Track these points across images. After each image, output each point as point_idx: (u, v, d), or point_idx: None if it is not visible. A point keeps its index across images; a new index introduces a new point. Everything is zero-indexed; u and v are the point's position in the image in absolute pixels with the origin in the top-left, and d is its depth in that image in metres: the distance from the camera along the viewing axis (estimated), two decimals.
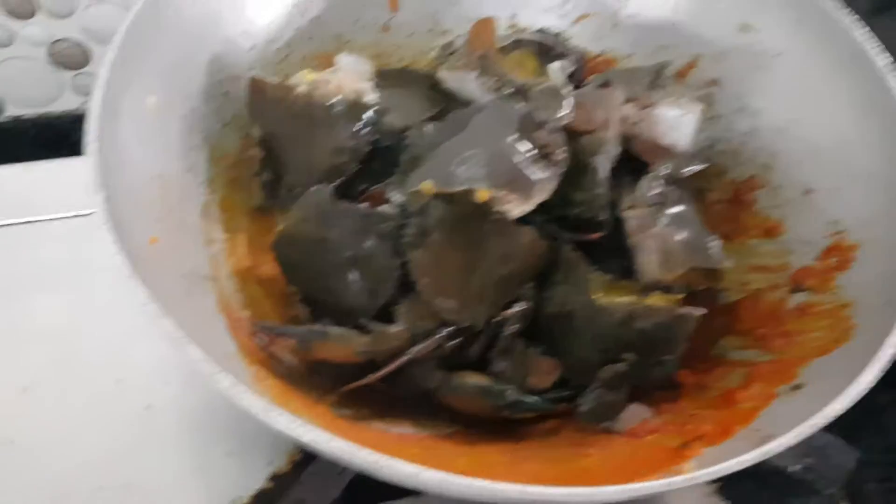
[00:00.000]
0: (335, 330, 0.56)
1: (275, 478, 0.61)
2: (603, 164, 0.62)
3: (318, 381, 0.57)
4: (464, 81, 0.68)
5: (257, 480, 0.61)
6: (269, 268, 0.63)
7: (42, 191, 0.76)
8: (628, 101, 0.66)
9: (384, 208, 0.60)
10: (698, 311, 0.57)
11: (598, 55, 0.78)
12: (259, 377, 0.52)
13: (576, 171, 0.62)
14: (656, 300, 0.58)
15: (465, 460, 0.53)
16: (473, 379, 0.57)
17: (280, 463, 0.61)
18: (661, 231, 0.61)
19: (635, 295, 0.59)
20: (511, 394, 0.57)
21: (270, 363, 0.55)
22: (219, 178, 0.64)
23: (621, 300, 0.58)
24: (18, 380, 0.63)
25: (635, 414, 0.58)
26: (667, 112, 0.65)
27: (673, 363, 0.58)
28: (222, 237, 0.62)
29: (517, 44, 0.72)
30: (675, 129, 0.65)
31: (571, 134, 0.62)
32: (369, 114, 0.65)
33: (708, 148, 0.71)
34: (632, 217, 0.62)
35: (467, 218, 0.58)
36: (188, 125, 0.63)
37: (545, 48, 0.72)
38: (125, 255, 0.47)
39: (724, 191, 0.71)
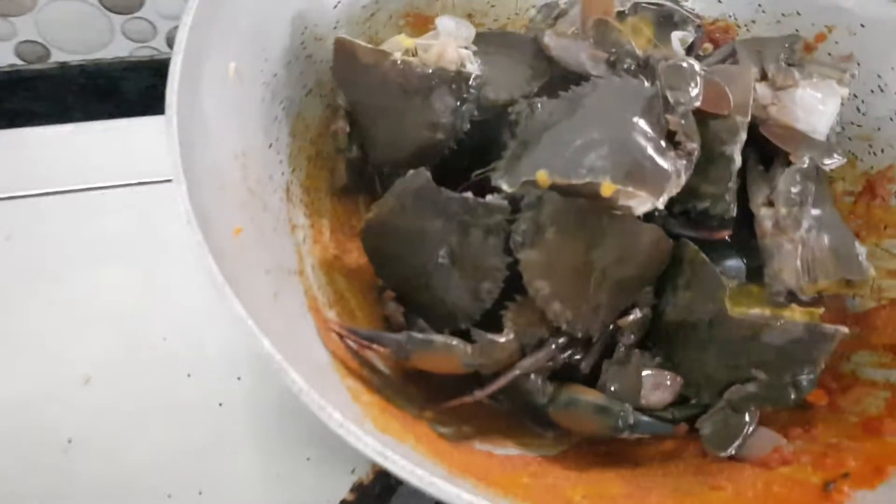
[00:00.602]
0: (439, 339, 0.50)
1: (357, 488, 0.55)
2: (737, 154, 0.55)
3: (413, 391, 0.51)
4: (575, 50, 0.60)
5: (338, 490, 0.55)
6: (356, 257, 0.57)
7: (101, 154, 0.69)
8: (762, 78, 0.59)
9: (491, 199, 0.53)
10: (843, 330, 0.51)
11: (716, 20, 0.69)
12: (356, 394, 0.46)
13: (705, 161, 0.54)
14: (794, 313, 0.51)
15: (582, 489, 0.47)
16: (588, 396, 0.51)
17: (363, 472, 0.56)
18: (804, 235, 0.53)
19: (769, 306, 0.52)
20: (631, 414, 0.51)
21: (364, 373, 0.50)
22: (301, 155, 0.58)
23: (755, 311, 0.51)
24: (79, 369, 0.57)
25: (766, 440, 0.52)
26: (810, 94, 0.57)
27: (809, 385, 0.52)
28: (306, 223, 0.56)
29: (635, 8, 0.63)
30: (814, 113, 0.57)
31: (701, 117, 0.54)
32: (473, 85, 0.57)
33: (838, 133, 0.62)
34: (767, 216, 0.55)
35: (586, 213, 0.51)
36: (270, 93, 0.56)
37: (665, 13, 0.64)
38: (212, 258, 0.41)
39: (854, 182, 0.64)
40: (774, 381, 0.51)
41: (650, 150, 0.51)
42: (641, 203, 0.50)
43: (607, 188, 0.49)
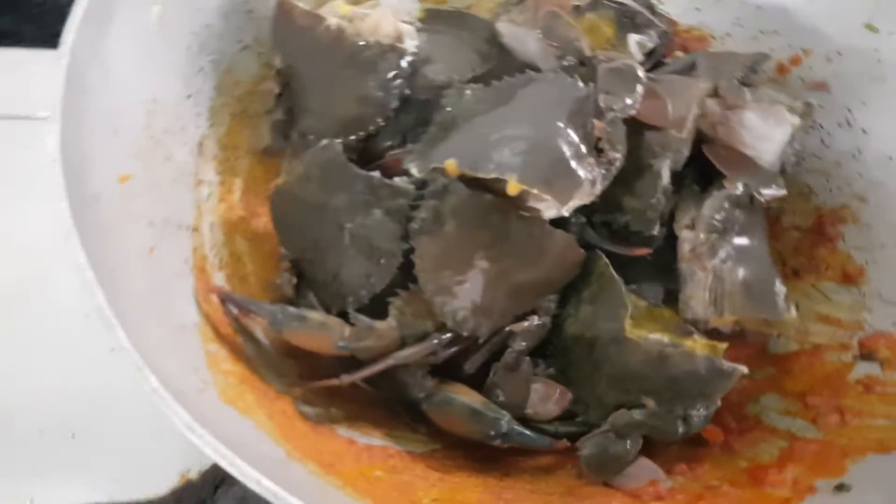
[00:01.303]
0: (315, 316, 0.48)
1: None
2: (666, 170, 0.52)
3: (289, 367, 0.50)
4: (524, 40, 0.58)
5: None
6: (264, 222, 0.56)
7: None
8: (714, 94, 0.56)
9: (399, 181, 0.51)
10: (742, 370, 0.48)
11: (691, 28, 0.66)
12: (214, 360, 0.44)
13: (632, 173, 0.52)
14: (696, 344, 0.49)
15: (436, 492, 0.46)
16: (465, 397, 0.49)
17: None
18: (718, 265, 0.51)
19: (672, 333, 0.50)
20: (506, 423, 0.49)
21: (235, 341, 0.48)
22: (224, 110, 0.56)
23: (655, 337, 0.49)
24: None
25: (644, 471, 0.50)
26: (757, 118, 0.54)
27: (700, 421, 0.49)
28: (216, 179, 0.55)
29: (595, 4, 0.60)
30: (762, 139, 0.54)
31: (635, 127, 0.52)
32: (405, 62, 0.55)
33: (795, 164, 0.59)
34: (687, 240, 0.52)
35: (491, 210, 0.49)
36: (199, 44, 0.54)
37: (627, 14, 0.61)
38: (70, 201, 0.39)
39: (805, 216, 0.60)
40: (664, 412, 0.49)
41: (567, 154, 0.48)
42: (549, 207, 0.48)
43: (514, 187, 0.47)
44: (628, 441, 0.49)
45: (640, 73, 0.53)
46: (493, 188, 0.48)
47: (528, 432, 0.50)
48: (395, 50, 0.55)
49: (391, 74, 0.55)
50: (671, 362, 0.48)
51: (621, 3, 0.62)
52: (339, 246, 0.51)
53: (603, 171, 0.49)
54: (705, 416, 0.49)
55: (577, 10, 0.59)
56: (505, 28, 0.59)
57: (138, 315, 0.40)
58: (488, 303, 0.49)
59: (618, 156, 0.50)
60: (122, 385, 0.53)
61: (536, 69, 0.55)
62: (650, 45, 0.60)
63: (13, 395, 0.54)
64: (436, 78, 0.56)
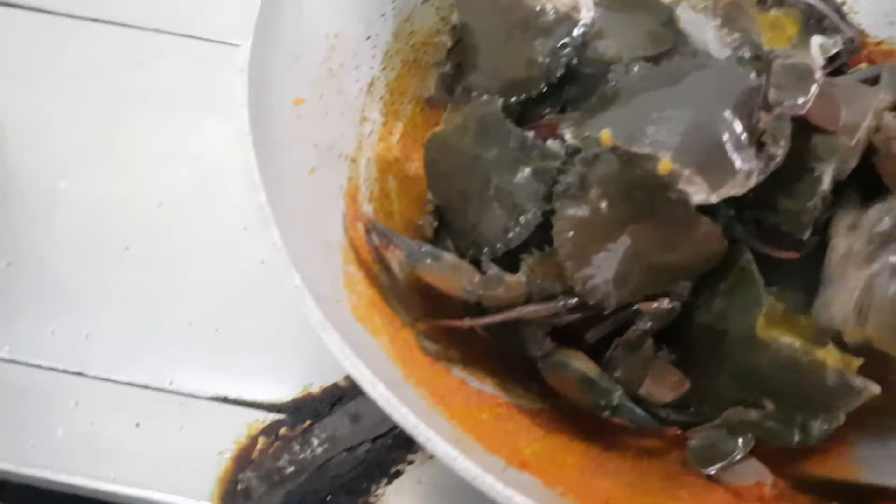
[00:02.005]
0: (449, 258, 0.50)
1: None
2: (828, 175, 0.51)
3: (417, 303, 0.52)
4: (702, 27, 0.57)
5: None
6: (416, 166, 0.58)
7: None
8: (894, 109, 0.53)
9: (551, 144, 0.52)
10: (874, 389, 0.46)
11: (880, 42, 0.63)
12: (351, 281, 0.47)
13: (792, 173, 0.50)
14: (828, 356, 0.47)
15: (537, 447, 0.47)
16: (580, 363, 0.50)
17: None
18: (872, 275, 0.49)
19: (805, 339, 0.48)
20: (618, 397, 0.49)
21: (377, 268, 0.51)
22: (397, 57, 0.59)
23: (786, 340, 0.48)
24: (154, 195, 0.63)
25: (751, 472, 0.49)
26: None
27: (819, 434, 0.48)
28: (379, 119, 0.58)
29: (781, 1, 0.59)
30: None
31: (803, 128, 0.50)
32: (577, 32, 0.56)
33: None
34: (843, 244, 0.50)
35: (638, 185, 0.49)
36: None
37: (814, 16, 0.59)
38: (250, 109, 0.43)
39: None
40: (782, 417, 0.48)
41: (726, 142, 0.48)
42: (697, 192, 0.48)
43: (665, 165, 0.47)
44: (740, 439, 0.49)
45: (817, 73, 0.51)
46: (644, 164, 0.48)
47: (638, 410, 0.50)
48: (569, 19, 0.56)
49: (561, 42, 0.56)
50: (799, 369, 0.47)
51: (809, 4, 0.60)
52: (484, 197, 0.52)
53: (761, 166, 0.48)
54: (826, 430, 0.48)
55: (762, 4, 0.58)
56: (684, 13, 0.58)
57: (292, 222, 0.43)
58: (621, 277, 0.49)
59: (779, 152, 0.49)
60: (266, 294, 0.58)
61: (709, 57, 0.55)
62: (833, 49, 0.58)
63: (171, 287, 0.59)
64: (605, 52, 0.57)
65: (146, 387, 0.56)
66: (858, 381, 0.46)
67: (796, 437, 0.48)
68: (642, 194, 0.49)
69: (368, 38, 0.57)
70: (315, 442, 0.52)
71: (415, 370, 0.45)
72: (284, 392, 0.56)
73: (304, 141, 0.49)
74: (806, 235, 0.51)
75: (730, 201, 0.49)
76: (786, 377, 0.48)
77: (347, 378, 0.56)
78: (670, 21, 0.59)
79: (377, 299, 0.49)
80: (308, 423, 0.54)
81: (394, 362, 0.44)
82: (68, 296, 0.58)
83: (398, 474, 0.54)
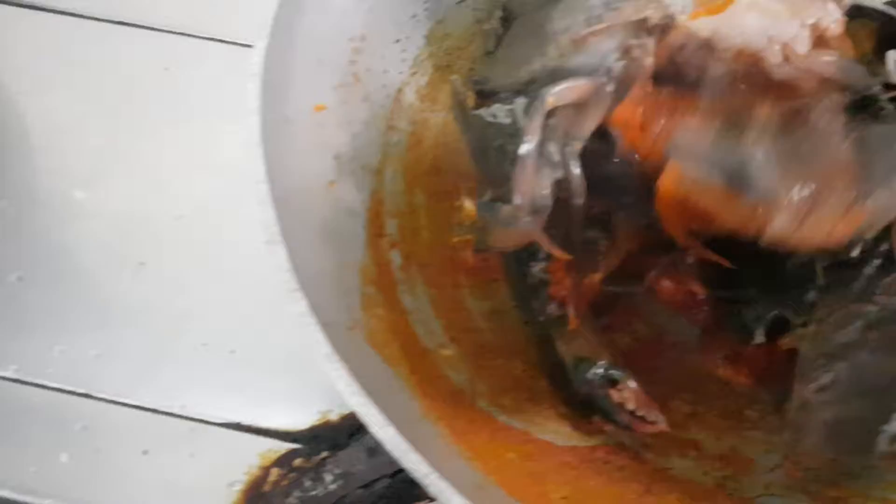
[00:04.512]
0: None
1: None
2: None
3: (445, 325, 0.48)
4: None
5: None
6: (447, 181, 0.54)
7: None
8: None
9: None
10: None
11: None
12: (370, 303, 0.44)
13: None
14: None
15: (567, 490, 0.42)
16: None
17: None
18: None
19: None
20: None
21: (400, 290, 0.47)
22: (429, 61, 0.55)
23: None
24: (175, 208, 0.60)
25: None
26: None
27: None
28: (408, 128, 0.54)
29: (859, 10, 0.53)
30: None
31: None
32: None
33: None
34: None
35: None
36: None
37: (894, 27, 0.53)
38: (262, 116, 0.40)
39: None
40: None
41: None
42: None
43: None
44: None
45: None
46: None
47: None
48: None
49: None
50: None
51: (887, 14, 0.54)
52: None
53: None
54: None
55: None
56: None
57: (305, 241, 0.40)
58: None
59: None
60: (286, 314, 0.55)
61: None
62: None
63: (186, 305, 0.56)
64: None
65: (157, 411, 0.53)
66: None
67: None
68: None
69: (398, 41, 0.53)
70: (328, 478, 0.48)
71: (435, 403, 0.41)
72: (301, 419, 0.52)
73: (325, 151, 0.46)
74: None
75: None
76: None
77: None
78: None
79: (399, 323, 0.45)
80: (325, 454, 0.50)
81: (412, 395, 0.40)
82: (79, 313, 0.55)
83: None
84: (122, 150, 0.63)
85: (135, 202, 0.60)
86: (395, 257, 0.49)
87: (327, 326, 0.36)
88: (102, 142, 0.63)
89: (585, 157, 0.47)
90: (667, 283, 0.48)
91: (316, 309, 0.36)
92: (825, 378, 0.42)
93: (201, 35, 0.67)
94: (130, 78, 0.66)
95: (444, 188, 0.54)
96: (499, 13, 0.56)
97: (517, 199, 0.43)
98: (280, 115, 0.42)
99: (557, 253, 0.45)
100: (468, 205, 0.53)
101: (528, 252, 0.49)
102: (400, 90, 0.53)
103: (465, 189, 0.53)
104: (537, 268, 0.49)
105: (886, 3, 0.55)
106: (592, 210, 0.51)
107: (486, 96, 0.52)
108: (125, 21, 0.68)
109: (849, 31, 0.53)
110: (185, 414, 0.53)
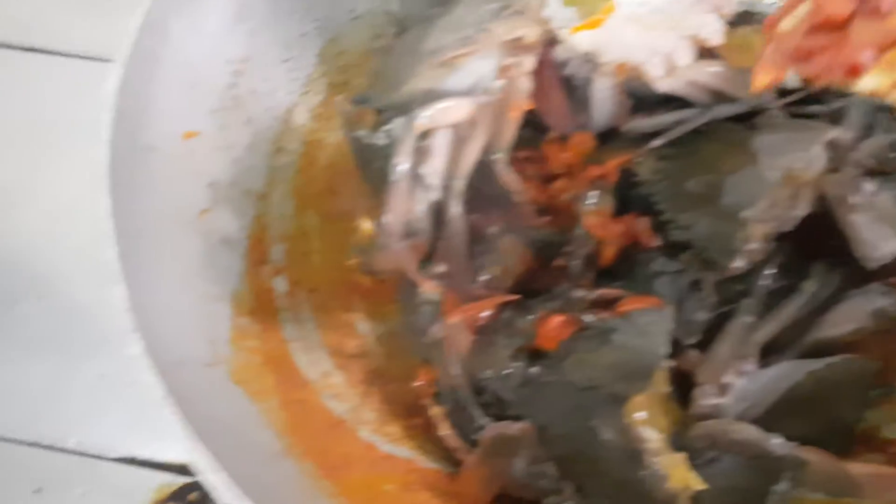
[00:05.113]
0: None
1: None
2: None
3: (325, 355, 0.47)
4: None
5: None
6: (344, 201, 0.53)
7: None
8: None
9: None
10: None
11: None
12: (240, 335, 0.42)
13: None
14: (676, 469, 0.41)
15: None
16: None
17: None
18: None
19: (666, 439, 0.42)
20: None
21: (281, 318, 0.46)
22: (323, 80, 0.54)
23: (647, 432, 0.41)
24: None
25: None
26: (863, 225, 0.45)
27: None
28: (299, 149, 0.52)
29: (747, 17, 0.52)
30: (866, 245, 0.45)
31: None
32: None
33: None
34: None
35: None
36: (304, 7, 0.52)
37: None
38: (112, 146, 0.38)
39: None
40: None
41: None
42: None
43: None
44: None
45: None
46: None
47: None
48: None
49: None
50: (636, 466, 0.41)
51: None
52: None
53: None
54: None
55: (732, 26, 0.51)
56: None
57: (159, 275, 0.39)
58: None
59: None
60: None
61: None
62: None
63: (83, 335, 0.55)
64: None
65: (51, 447, 0.51)
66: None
67: None
68: None
69: (286, 60, 0.52)
70: None
71: (306, 438, 0.40)
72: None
73: (197, 179, 0.45)
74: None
75: None
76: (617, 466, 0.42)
77: None
78: None
79: (277, 353, 0.44)
80: None
81: (277, 432, 0.39)
82: None
83: None
84: None
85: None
86: (280, 284, 0.48)
87: (174, 366, 0.35)
88: None
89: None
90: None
91: (163, 348, 0.35)
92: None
93: (46, 49, 0.65)
94: None
95: (341, 209, 0.53)
96: (392, 29, 0.55)
97: (387, 222, 0.42)
98: (140, 144, 0.41)
99: (422, 282, 0.44)
100: (366, 225, 0.51)
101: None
102: (290, 111, 0.52)
103: (363, 209, 0.52)
104: (428, 289, 0.48)
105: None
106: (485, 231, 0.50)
107: (369, 115, 0.51)
108: None
109: (741, 38, 0.52)
110: (79, 450, 0.52)
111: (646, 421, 0.42)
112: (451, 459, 0.45)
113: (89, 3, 0.66)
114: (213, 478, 0.32)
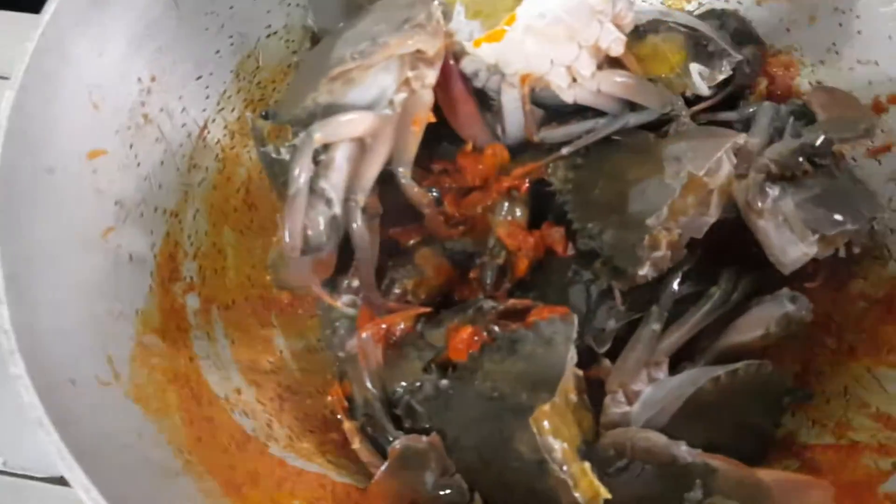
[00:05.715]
0: None
1: None
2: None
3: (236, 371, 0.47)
4: None
5: None
6: (262, 217, 0.53)
7: None
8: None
9: None
10: None
11: (778, 52, 0.57)
12: (145, 353, 0.42)
13: None
14: (582, 478, 0.41)
15: None
16: None
17: None
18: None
19: (573, 450, 0.42)
20: None
21: (193, 335, 0.46)
22: (239, 96, 0.54)
23: (551, 442, 0.42)
24: None
25: None
26: (770, 232, 0.46)
27: None
28: (215, 166, 0.52)
29: (656, 25, 0.53)
30: (775, 249, 0.46)
31: None
32: None
33: (869, 219, 0.48)
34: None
35: None
36: (218, 25, 0.52)
37: (699, 40, 0.53)
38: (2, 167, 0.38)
39: (877, 285, 0.50)
40: None
41: None
42: None
43: None
44: None
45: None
46: None
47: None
48: None
49: None
50: (544, 476, 0.41)
51: (690, 28, 0.54)
52: None
53: None
54: None
55: (636, 32, 0.52)
56: None
57: (51, 295, 0.38)
58: None
59: None
60: None
61: None
62: (721, 76, 0.52)
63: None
64: None
65: None
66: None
67: None
68: None
69: (199, 77, 0.52)
70: None
71: (210, 455, 0.40)
72: None
73: (102, 198, 0.45)
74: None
75: None
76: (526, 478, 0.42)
77: None
78: None
79: (185, 371, 0.44)
80: None
81: (174, 450, 0.39)
82: None
83: None
84: None
85: None
86: (192, 301, 0.48)
87: (63, 385, 0.35)
88: None
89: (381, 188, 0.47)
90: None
91: (49, 368, 0.35)
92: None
93: None
94: None
95: (259, 224, 0.54)
96: (307, 43, 0.55)
97: (284, 236, 0.42)
98: (38, 165, 0.41)
99: (325, 297, 0.44)
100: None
101: (332, 286, 0.48)
102: (205, 128, 0.52)
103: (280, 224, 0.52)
104: (343, 303, 0.48)
105: (688, 14, 0.55)
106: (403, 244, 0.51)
107: (284, 131, 0.51)
108: None
109: (650, 47, 0.53)
110: (6, 469, 0.51)
111: (552, 430, 0.42)
112: (365, 474, 0.46)
113: None
114: (84, 496, 0.32)
